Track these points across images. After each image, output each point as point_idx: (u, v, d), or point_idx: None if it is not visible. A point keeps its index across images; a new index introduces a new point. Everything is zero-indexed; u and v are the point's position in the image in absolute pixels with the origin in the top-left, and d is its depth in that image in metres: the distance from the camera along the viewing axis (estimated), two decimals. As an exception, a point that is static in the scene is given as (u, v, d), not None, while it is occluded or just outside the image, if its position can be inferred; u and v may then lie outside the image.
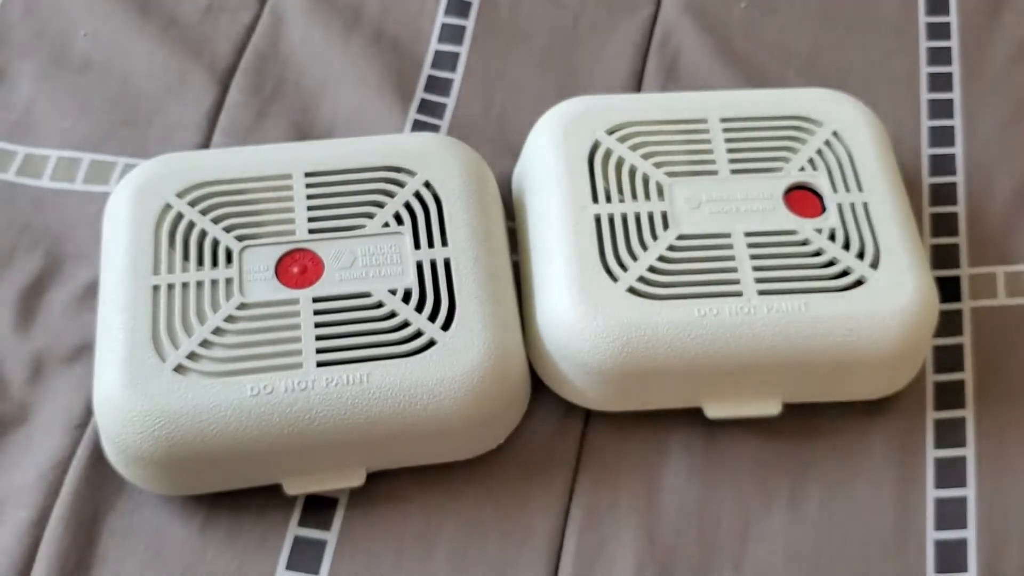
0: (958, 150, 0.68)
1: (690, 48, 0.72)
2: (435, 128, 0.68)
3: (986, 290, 0.62)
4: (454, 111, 0.69)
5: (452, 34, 0.72)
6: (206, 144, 0.68)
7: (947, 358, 0.60)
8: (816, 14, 0.74)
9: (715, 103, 0.61)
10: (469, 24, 0.72)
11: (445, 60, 0.71)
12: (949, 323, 0.61)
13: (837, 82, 0.70)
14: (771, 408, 0.56)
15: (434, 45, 0.72)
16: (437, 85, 0.70)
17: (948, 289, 0.62)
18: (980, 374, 0.60)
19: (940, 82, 0.71)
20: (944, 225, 0.65)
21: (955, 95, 0.70)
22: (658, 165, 0.58)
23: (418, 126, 0.68)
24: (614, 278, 0.55)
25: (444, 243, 0.57)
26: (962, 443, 0.58)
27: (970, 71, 0.71)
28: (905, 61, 0.72)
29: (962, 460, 0.57)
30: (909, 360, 0.56)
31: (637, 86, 0.71)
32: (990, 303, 0.62)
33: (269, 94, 0.69)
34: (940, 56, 0.72)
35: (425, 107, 0.69)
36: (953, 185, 0.67)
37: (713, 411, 0.56)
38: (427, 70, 0.71)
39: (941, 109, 0.69)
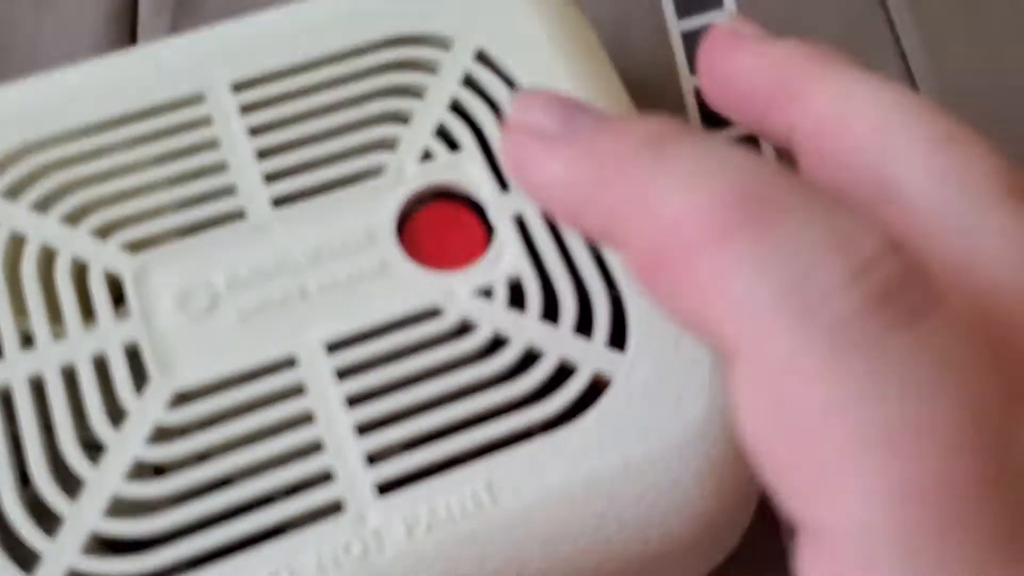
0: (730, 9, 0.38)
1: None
2: None
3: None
4: None
5: None
6: None
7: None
8: None
9: (228, 49, 0.28)
10: None
11: None
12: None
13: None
14: None
15: None
16: None
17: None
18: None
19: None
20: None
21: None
22: (106, 229, 0.26)
23: None
24: (27, 564, 0.22)
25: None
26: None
27: None
28: None
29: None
30: (731, 517, 0.26)
31: (130, 35, 0.38)
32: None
33: None
34: None
35: None
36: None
37: None
38: None
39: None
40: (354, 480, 0.23)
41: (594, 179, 0.20)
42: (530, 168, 0.21)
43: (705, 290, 0.18)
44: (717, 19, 0.36)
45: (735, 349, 0.18)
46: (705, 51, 0.25)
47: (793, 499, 0.17)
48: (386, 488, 0.23)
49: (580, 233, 0.22)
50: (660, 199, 0.18)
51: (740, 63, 0.23)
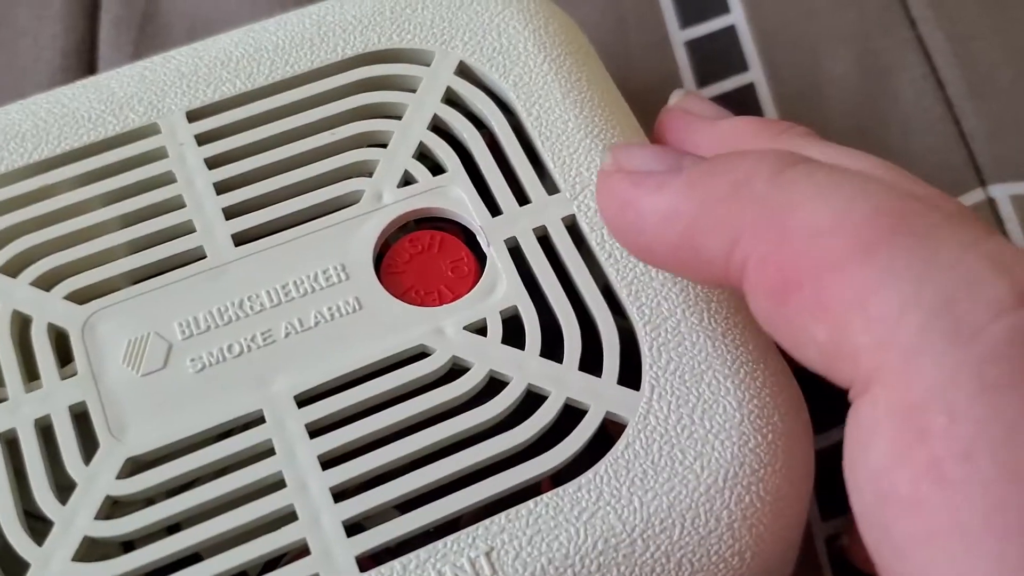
0: (737, 14, 0.35)
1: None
2: None
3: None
4: None
5: None
6: None
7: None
8: None
9: (183, 75, 0.25)
10: None
11: None
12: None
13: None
14: None
15: None
16: None
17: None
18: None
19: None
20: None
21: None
22: (50, 278, 0.23)
23: None
24: None
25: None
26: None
27: None
28: None
29: None
30: (771, 571, 0.24)
31: (90, 63, 0.35)
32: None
33: None
34: None
35: None
36: (750, 86, 0.34)
37: None
38: None
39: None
40: (331, 554, 0.20)
41: (713, 199, 0.19)
42: (635, 205, 0.20)
43: (845, 308, 0.16)
44: (722, 24, 0.33)
45: (872, 377, 0.16)
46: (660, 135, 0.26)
47: (907, 546, 0.16)
48: (369, 561, 0.20)
49: (682, 267, 0.20)
50: (796, 214, 0.17)
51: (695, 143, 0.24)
